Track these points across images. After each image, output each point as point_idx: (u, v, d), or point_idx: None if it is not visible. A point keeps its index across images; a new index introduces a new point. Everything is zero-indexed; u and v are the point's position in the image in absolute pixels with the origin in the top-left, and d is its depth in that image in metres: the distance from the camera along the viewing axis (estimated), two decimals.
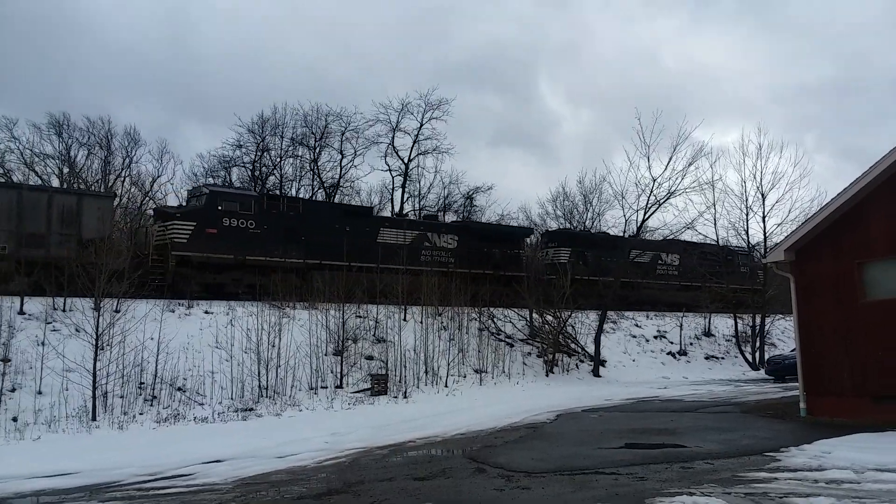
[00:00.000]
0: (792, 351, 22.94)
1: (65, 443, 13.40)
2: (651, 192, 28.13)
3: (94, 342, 16.00)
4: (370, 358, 22.22)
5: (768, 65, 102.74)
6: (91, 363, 15.73)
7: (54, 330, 18.14)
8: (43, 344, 17.10)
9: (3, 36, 56.21)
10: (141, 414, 15.97)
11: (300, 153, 43.57)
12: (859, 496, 7.64)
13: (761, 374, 29.30)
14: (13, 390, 15.54)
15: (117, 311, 18.32)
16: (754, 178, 30.30)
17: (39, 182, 33.67)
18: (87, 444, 13.21)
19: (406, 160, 44.22)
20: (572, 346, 28.56)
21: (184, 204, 28.28)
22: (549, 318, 27.76)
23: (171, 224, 24.02)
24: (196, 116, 63.46)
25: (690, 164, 28.11)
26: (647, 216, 28.94)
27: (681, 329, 32.69)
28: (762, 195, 30.17)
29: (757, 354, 32.61)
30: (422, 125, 43.72)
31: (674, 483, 8.44)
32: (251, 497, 8.62)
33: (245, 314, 21.56)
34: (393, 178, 44.69)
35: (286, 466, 10.81)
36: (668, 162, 27.96)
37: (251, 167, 42.61)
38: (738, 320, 33.74)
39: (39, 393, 15.62)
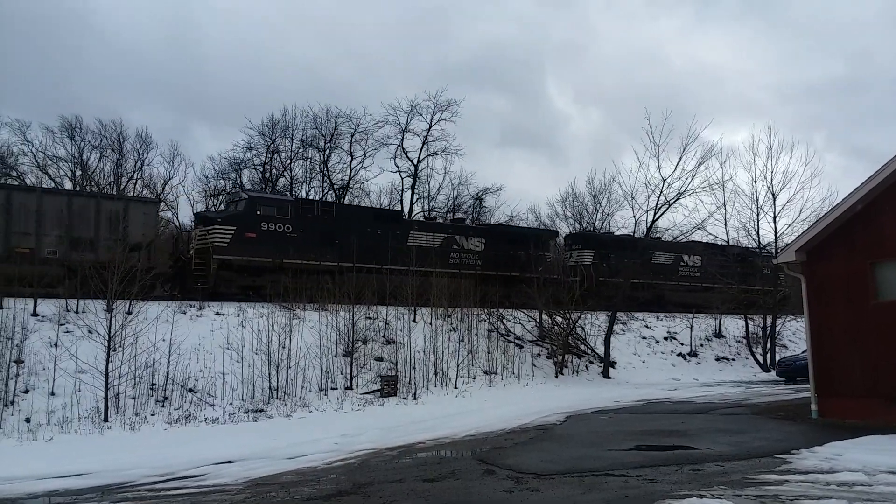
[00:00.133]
0: (803, 352, 22.77)
1: (77, 444, 13.51)
2: (661, 192, 28.08)
3: (106, 343, 16.14)
4: (380, 359, 22.26)
5: (773, 64, 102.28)
6: (103, 364, 15.86)
7: (67, 331, 18.28)
8: (56, 345, 17.24)
9: (6, 37, 56.82)
10: (152, 415, 16.08)
11: (310, 155, 43.81)
12: (871, 499, 7.59)
13: (772, 375, 29.11)
14: (26, 391, 15.68)
15: (129, 313, 18.46)
16: (765, 177, 30.16)
17: (53, 185, 34.01)
18: (99, 445, 13.33)
19: (415, 161, 44.35)
20: (582, 347, 28.51)
21: (221, 208, 28.77)
22: (559, 319, 27.71)
23: (212, 229, 24.62)
24: (201, 118, 64.03)
25: (700, 164, 28.06)
26: (657, 217, 28.92)
27: (691, 330, 32.53)
28: (773, 195, 30.05)
29: (768, 356, 32.40)
30: (431, 126, 43.84)
31: (684, 485, 8.41)
32: (262, 498, 8.66)
33: (256, 315, 21.65)
34: (402, 179, 44.85)
35: (296, 467, 10.85)
36: (678, 162, 27.91)
37: (262, 169, 42.85)
38: (749, 321, 33.54)
39: (52, 394, 15.75)
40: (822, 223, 14.57)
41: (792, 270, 15.51)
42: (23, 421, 14.47)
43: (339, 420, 16.57)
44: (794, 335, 35.16)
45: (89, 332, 17.32)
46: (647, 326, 33.33)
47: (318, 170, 43.76)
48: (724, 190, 31.25)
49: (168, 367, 17.56)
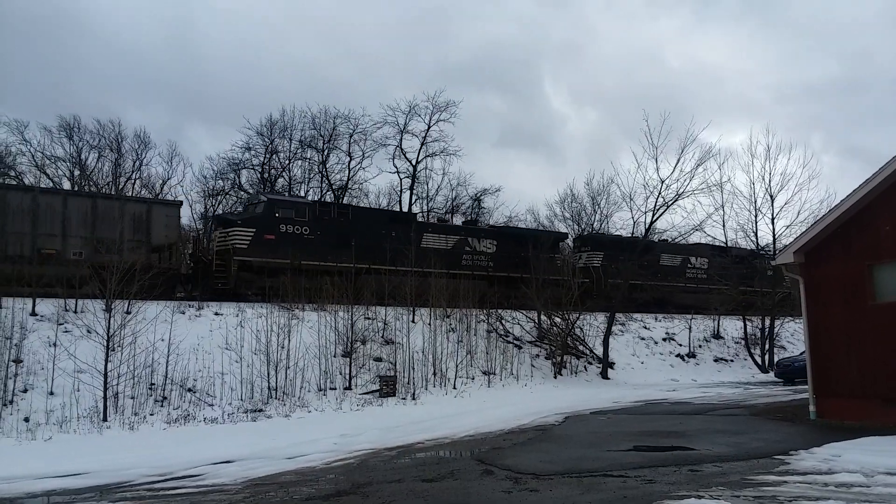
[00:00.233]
0: (801, 353, 22.80)
1: (76, 443, 13.51)
2: (660, 193, 28.11)
3: (105, 343, 16.14)
4: (379, 359, 22.28)
5: (773, 64, 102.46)
6: (102, 364, 15.86)
7: (66, 331, 18.29)
8: (55, 345, 17.24)
9: (5, 37, 56.81)
10: (151, 415, 16.09)
11: (309, 155, 43.83)
12: (869, 500, 7.61)
13: (771, 376, 29.11)
14: (25, 391, 15.69)
15: (128, 313, 18.46)
16: (763, 179, 30.23)
17: (51, 185, 33.99)
18: (98, 445, 13.32)
19: (414, 162, 44.39)
20: (581, 348, 28.53)
21: (241, 210, 29.22)
22: (558, 319, 27.74)
23: (231, 231, 24.99)
24: (200, 118, 63.99)
25: (699, 166, 28.04)
26: (655, 218, 28.92)
27: (689, 331, 32.55)
28: (771, 197, 30.07)
29: (766, 357, 32.42)
30: (429, 127, 43.88)
31: (682, 486, 8.43)
32: (260, 498, 8.67)
33: (254, 316, 21.66)
34: (401, 179, 44.89)
35: (295, 467, 10.86)
36: (677, 163, 27.90)
37: (260, 169, 42.85)
38: (748, 322, 33.57)
39: (51, 394, 15.76)
40: (819, 225, 14.61)
41: (790, 272, 15.55)
42: (22, 420, 14.48)
43: (337, 420, 16.58)
44: (793, 336, 35.16)
45: (88, 331, 17.31)
46: (645, 327, 33.36)
47: (316, 170, 43.85)
48: (722, 191, 31.33)
49: (167, 366, 17.57)
